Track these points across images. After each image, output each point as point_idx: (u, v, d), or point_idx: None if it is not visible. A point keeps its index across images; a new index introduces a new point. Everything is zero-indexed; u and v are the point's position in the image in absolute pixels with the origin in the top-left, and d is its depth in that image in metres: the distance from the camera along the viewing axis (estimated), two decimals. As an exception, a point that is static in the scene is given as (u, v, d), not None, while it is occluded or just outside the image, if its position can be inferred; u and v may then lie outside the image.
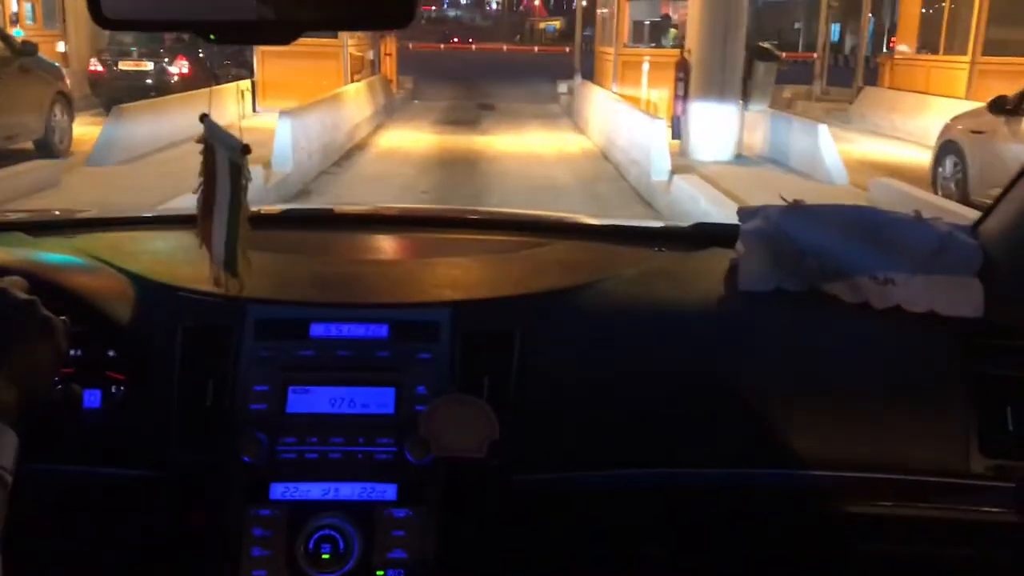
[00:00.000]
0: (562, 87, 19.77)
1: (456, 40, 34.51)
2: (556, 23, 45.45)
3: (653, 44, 17.18)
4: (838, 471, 1.23)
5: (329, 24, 0.84)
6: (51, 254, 1.39)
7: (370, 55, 16.62)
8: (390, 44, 17.69)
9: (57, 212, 1.95)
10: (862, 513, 1.25)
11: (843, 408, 1.25)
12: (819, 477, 1.22)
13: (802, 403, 1.25)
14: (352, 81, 14.84)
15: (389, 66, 17.77)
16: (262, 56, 15.05)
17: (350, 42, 15.38)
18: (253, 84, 14.80)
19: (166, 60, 14.43)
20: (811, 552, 1.30)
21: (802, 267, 1.39)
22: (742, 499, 1.25)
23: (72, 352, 1.07)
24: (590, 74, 17.41)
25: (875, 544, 1.28)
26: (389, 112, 15.84)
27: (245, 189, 1.10)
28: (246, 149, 1.06)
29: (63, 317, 1.04)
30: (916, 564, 1.30)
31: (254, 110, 14.35)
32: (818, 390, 1.26)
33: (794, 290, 1.39)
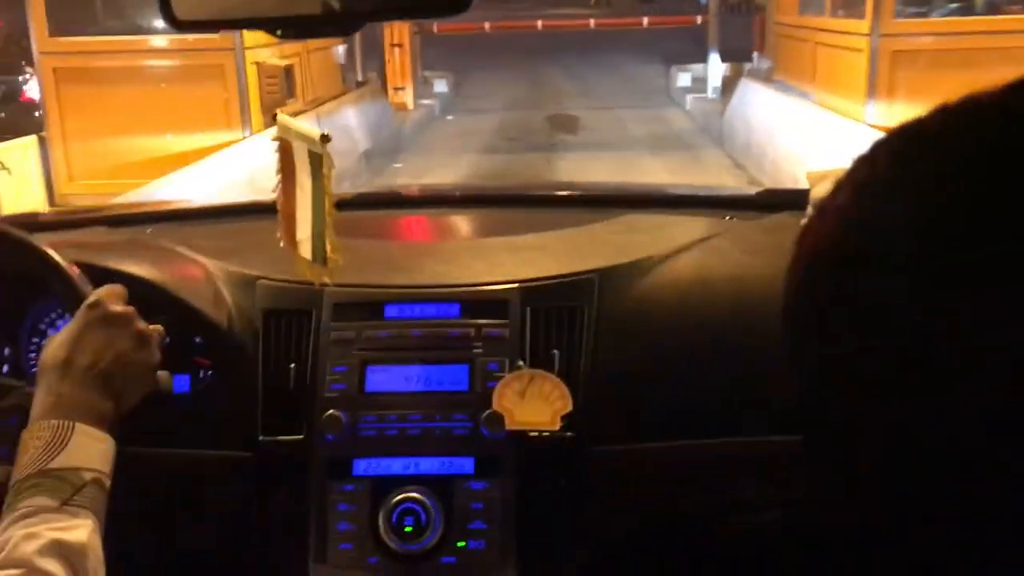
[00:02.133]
0: (683, 78, 12.63)
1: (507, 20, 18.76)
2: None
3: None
4: None
5: (388, 13, 0.86)
6: (134, 246, 1.45)
7: (336, 55, 9.21)
8: (400, 30, 10.85)
9: (136, 206, 2.02)
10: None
11: None
12: None
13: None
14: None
15: (398, 65, 11.08)
16: (54, 80, 6.73)
17: (262, 40, 6.79)
18: (42, 146, 6.66)
19: None
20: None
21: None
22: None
23: (159, 331, 1.12)
24: (739, 53, 11.16)
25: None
26: (390, 151, 9.19)
27: (329, 177, 1.11)
28: (325, 138, 1.08)
29: (158, 326, 1.09)
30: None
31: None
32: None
33: None
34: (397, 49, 11.22)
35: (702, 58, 11.77)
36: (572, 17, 16.89)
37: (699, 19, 12.46)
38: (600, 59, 16.08)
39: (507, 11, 14.27)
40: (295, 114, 6.22)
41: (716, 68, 11.33)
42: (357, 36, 10.08)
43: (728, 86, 10.58)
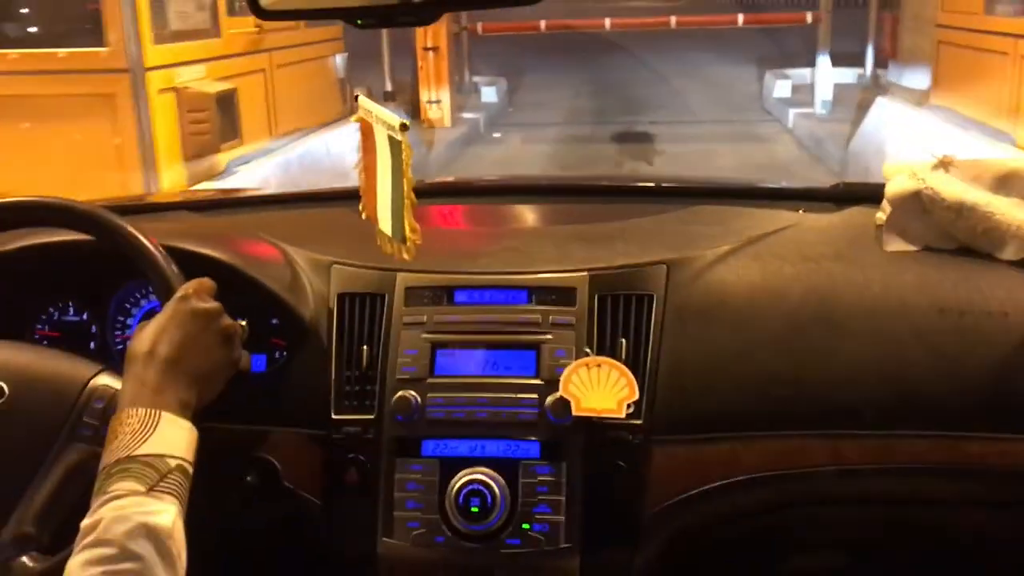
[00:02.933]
0: (780, 87, 10.26)
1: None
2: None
3: None
4: (992, 432, 1.19)
5: (465, 2, 0.87)
6: (216, 231, 1.50)
7: (333, 66, 7.51)
8: (435, 30, 9.09)
9: (218, 192, 2.08)
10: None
11: (1001, 368, 1.21)
12: (974, 439, 1.19)
13: (956, 364, 1.21)
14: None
15: (432, 72, 9.31)
16: None
17: (185, 54, 5.05)
18: None
19: None
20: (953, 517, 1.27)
21: (952, 225, 1.34)
22: (892, 457, 1.23)
23: (243, 326, 1.16)
24: (854, 58, 9.43)
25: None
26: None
27: (408, 163, 1.13)
28: (404, 126, 1.11)
29: (242, 322, 1.12)
30: None
31: None
32: (973, 349, 1.22)
33: (944, 248, 1.35)
34: (431, 54, 9.21)
35: (800, 61, 10.17)
36: (648, 13, 14.11)
37: (809, 17, 9.77)
38: (678, 59, 13.51)
39: (569, 6, 11.84)
40: (240, 159, 5.07)
41: (826, 76, 9.19)
42: (385, 37, 8.76)
43: (842, 100, 8.93)
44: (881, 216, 1.40)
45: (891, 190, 1.39)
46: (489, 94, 11.11)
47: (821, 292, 1.29)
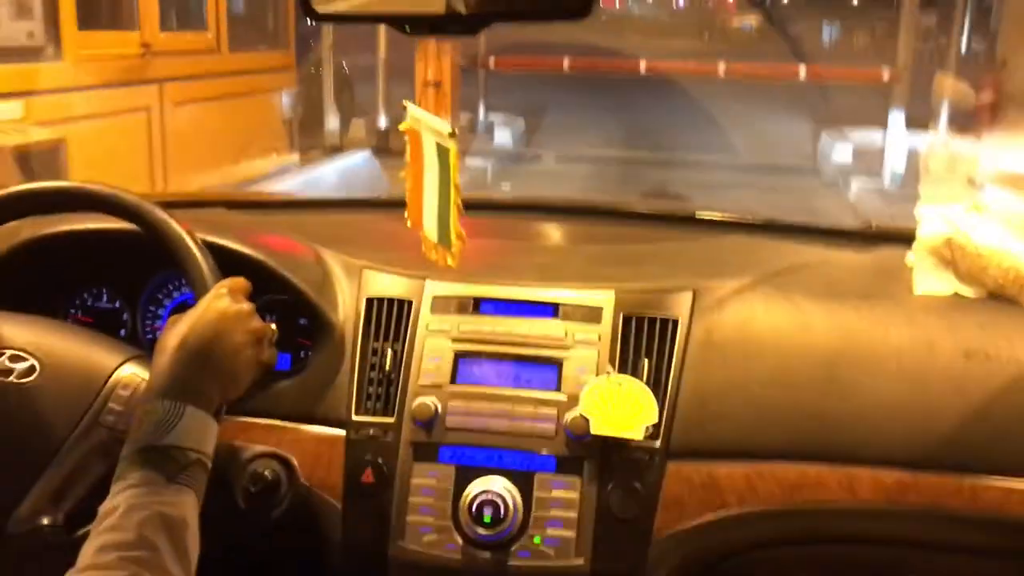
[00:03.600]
0: (839, 151, 8.75)
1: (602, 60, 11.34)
2: (751, 20, 23.28)
3: None
4: (1018, 478, 1.18)
5: (513, 14, 0.89)
6: (251, 228, 1.52)
7: (276, 104, 6.59)
8: (440, 63, 7.77)
9: (255, 194, 2.11)
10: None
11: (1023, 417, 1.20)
12: (994, 487, 1.18)
13: (980, 410, 1.21)
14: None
15: (434, 111, 2.73)
16: None
17: None
18: None
19: None
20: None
21: (982, 271, 1.34)
22: (896, 499, 1.22)
23: (273, 328, 1.17)
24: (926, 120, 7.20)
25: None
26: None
27: (456, 169, 1.14)
28: (453, 134, 1.12)
29: (272, 325, 1.14)
30: None
31: None
32: (998, 398, 1.21)
33: (973, 295, 1.35)
34: (432, 90, 7.58)
35: (859, 118, 8.82)
36: (693, 56, 12.20)
37: (886, 74, 8.23)
38: (715, 105, 11.33)
39: (599, 43, 10.74)
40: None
41: (900, 143, 7.79)
42: (381, 67, 8.10)
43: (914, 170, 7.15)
44: (911, 258, 1.41)
45: (923, 233, 1.39)
46: (502, 136, 9.75)
47: (847, 328, 1.29)
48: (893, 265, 1.44)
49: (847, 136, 8.91)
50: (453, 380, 1.26)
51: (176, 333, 1.05)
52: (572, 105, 11.81)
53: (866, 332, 1.28)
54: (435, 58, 7.62)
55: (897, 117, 8.03)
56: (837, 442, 1.21)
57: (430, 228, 1.20)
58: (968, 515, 1.20)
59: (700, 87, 11.73)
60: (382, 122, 7.96)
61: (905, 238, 1.44)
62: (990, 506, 1.19)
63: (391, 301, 1.32)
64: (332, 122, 8.31)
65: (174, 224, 1.19)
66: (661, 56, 11.80)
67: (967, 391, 1.21)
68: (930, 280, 1.36)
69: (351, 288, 1.35)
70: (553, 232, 1.64)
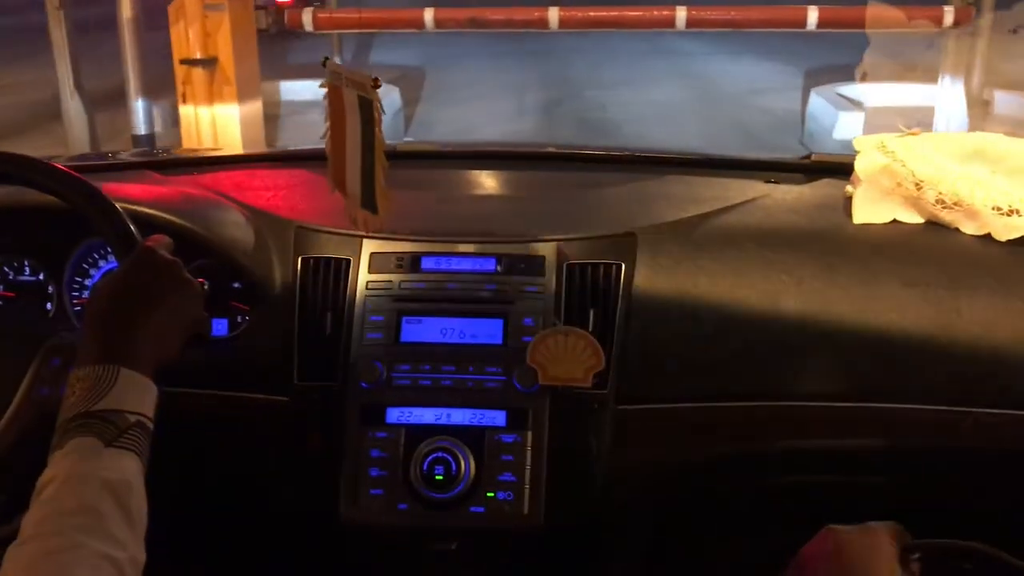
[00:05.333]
0: (846, 121, 5.75)
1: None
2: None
3: None
4: (955, 406, 1.20)
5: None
6: (178, 191, 1.47)
7: None
8: (206, 30, 4.85)
9: (183, 151, 2.04)
10: (979, 448, 1.22)
11: (963, 342, 1.22)
12: (933, 412, 1.20)
13: (921, 336, 1.22)
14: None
15: (206, 99, 5.02)
16: None
17: None
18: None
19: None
20: (920, 486, 1.29)
21: (919, 198, 1.34)
22: (849, 432, 1.24)
23: (203, 284, 1.14)
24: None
25: (984, 481, 1.26)
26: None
27: (379, 123, 1.10)
28: (376, 82, 1.08)
29: (202, 279, 1.10)
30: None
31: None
32: (936, 323, 1.23)
33: (911, 221, 1.36)
34: (200, 72, 4.98)
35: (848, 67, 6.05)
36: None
37: (949, 16, 5.31)
38: (665, 50, 9.05)
39: None
40: None
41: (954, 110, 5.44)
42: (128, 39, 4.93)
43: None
44: (850, 188, 1.41)
45: (860, 162, 1.39)
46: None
47: (790, 259, 1.29)
48: (833, 196, 1.44)
49: (854, 99, 6.00)
50: (397, 340, 1.24)
51: (101, 294, 1.01)
52: (473, 60, 8.72)
53: (808, 266, 1.28)
54: (199, 21, 4.88)
55: (955, 82, 5.51)
56: (782, 381, 1.22)
57: (353, 191, 1.16)
58: (905, 444, 1.22)
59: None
60: (140, 120, 5.16)
61: (845, 169, 1.44)
62: (922, 432, 1.21)
63: (328, 260, 1.29)
64: (77, 123, 5.35)
65: (85, 182, 1.13)
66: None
67: (908, 321, 1.23)
68: (869, 209, 1.36)
69: (285, 249, 1.31)
70: (492, 181, 1.61)
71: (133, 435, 0.92)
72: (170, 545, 1.02)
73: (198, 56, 4.94)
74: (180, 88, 5.03)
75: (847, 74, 6.11)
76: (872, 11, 5.33)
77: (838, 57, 6.56)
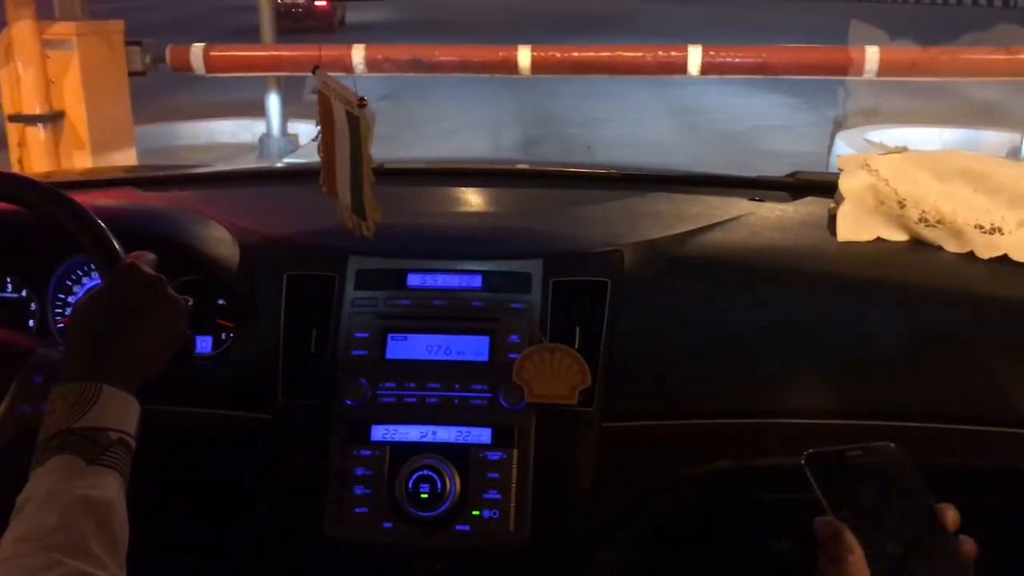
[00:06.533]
0: None
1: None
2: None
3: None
4: (941, 423, 1.21)
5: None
6: (162, 208, 1.46)
7: None
8: (45, 73, 3.58)
9: (166, 168, 2.03)
10: (962, 465, 1.23)
11: (947, 359, 1.23)
12: (919, 429, 1.21)
13: (904, 353, 1.23)
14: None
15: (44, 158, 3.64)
16: None
17: None
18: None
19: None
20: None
21: (903, 216, 1.35)
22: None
23: (187, 300, 1.13)
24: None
25: (972, 499, 1.26)
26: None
27: (367, 140, 1.10)
28: (362, 101, 1.08)
29: (187, 296, 1.09)
30: (1013, 519, 1.28)
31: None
32: (920, 340, 1.23)
33: (895, 239, 1.36)
34: (40, 131, 3.75)
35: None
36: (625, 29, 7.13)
37: None
38: (657, 80, 7.35)
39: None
40: None
41: None
42: None
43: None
44: (834, 206, 1.41)
45: (844, 180, 1.40)
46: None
47: (775, 277, 1.29)
48: (818, 214, 1.45)
49: (886, 143, 3.57)
50: (382, 357, 1.23)
51: (84, 312, 1.00)
52: (444, 89, 7.63)
53: (786, 279, 1.29)
54: (36, 63, 3.68)
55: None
56: (769, 397, 1.22)
57: (344, 195, 1.16)
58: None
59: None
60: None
61: (829, 187, 1.45)
62: (909, 449, 1.21)
63: (313, 277, 1.28)
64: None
65: (67, 199, 1.13)
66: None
67: (897, 339, 1.23)
68: (853, 227, 1.37)
69: (271, 266, 1.31)
70: (478, 199, 1.61)
71: (115, 453, 0.91)
72: (153, 564, 1.01)
73: (37, 111, 3.67)
74: (14, 153, 3.76)
75: (861, 108, 5.57)
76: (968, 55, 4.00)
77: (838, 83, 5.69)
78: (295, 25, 15.66)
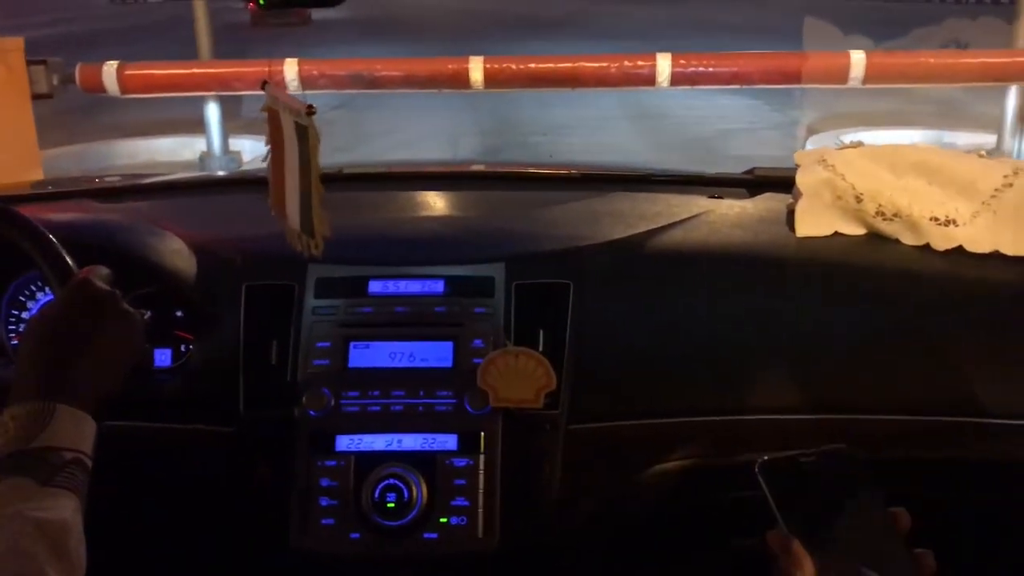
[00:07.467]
0: None
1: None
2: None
3: None
4: (900, 415, 1.22)
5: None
6: (117, 220, 1.44)
7: None
8: None
9: (123, 179, 2.00)
10: (930, 458, 1.24)
11: (908, 351, 1.24)
12: (882, 422, 1.22)
13: (865, 347, 1.24)
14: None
15: None
16: None
17: None
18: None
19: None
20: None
21: (860, 210, 1.37)
22: (802, 444, 1.25)
23: (144, 314, 1.11)
24: None
25: (942, 490, 1.27)
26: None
27: (316, 149, 1.08)
28: (311, 109, 1.06)
29: (143, 309, 1.07)
30: (981, 509, 1.29)
31: None
32: (880, 333, 1.24)
33: (852, 233, 1.38)
34: None
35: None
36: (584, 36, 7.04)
37: None
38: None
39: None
40: None
41: None
42: None
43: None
44: (792, 202, 1.42)
45: (802, 176, 1.41)
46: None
47: (731, 278, 1.30)
48: (776, 210, 1.46)
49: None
50: (345, 366, 1.22)
51: (36, 330, 0.98)
52: (396, 98, 6.81)
53: (747, 276, 1.29)
54: None
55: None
56: (733, 395, 1.23)
57: (293, 216, 1.14)
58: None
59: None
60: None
61: (787, 183, 1.46)
62: (876, 442, 1.22)
63: (272, 287, 1.27)
64: None
65: (17, 213, 1.10)
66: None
67: (857, 332, 1.24)
68: (811, 222, 1.38)
69: (229, 276, 1.29)
70: (438, 202, 1.60)
71: (69, 473, 0.89)
72: None
73: None
74: None
75: (829, 111, 5.64)
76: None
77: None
78: (278, 21, 16.04)
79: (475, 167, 2.00)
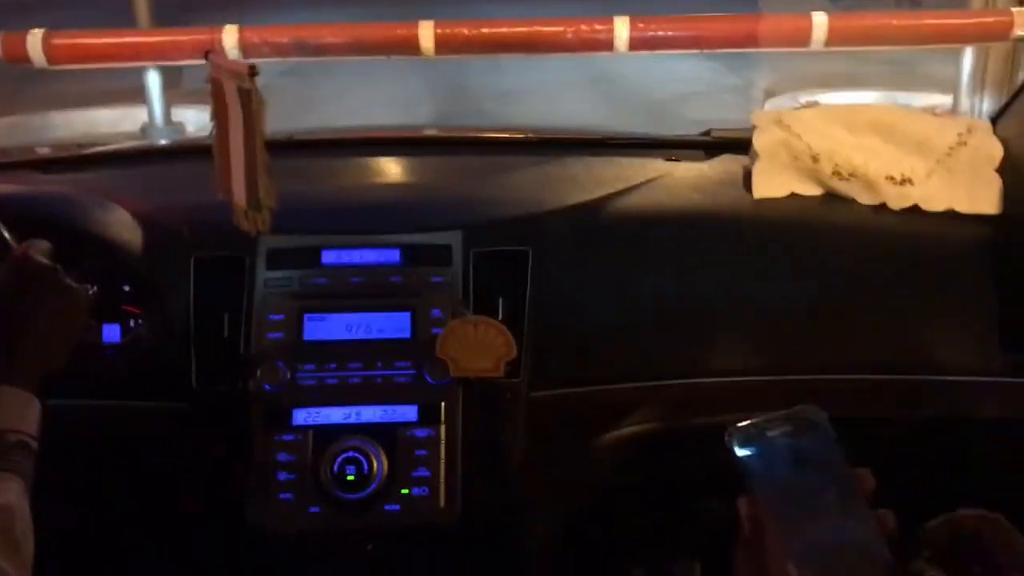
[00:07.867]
0: None
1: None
2: None
3: None
4: (861, 374, 1.23)
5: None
6: (61, 192, 1.39)
7: None
8: None
9: (67, 149, 1.93)
10: (890, 417, 1.25)
11: (865, 310, 1.25)
12: (842, 381, 1.23)
13: (824, 306, 1.24)
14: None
15: None
16: None
17: None
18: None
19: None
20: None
21: (817, 170, 1.36)
22: (765, 406, 1.25)
23: (88, 289, 1.07)
24: None
25: (899, 448, 1.29)
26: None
27: (259, 115, 1.04)
28: (252, 69, 1.02)
29: (87, 284, 1.04)
30: (937, 466, 1.31)
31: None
32: (838, 293, 1.25)
33: (809, 194, 1.38)
34: None
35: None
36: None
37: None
38: None
39: None
40: None
41: None
42: None
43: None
44: (749, 163, 1.42)
45: (758, 137, 1.40)
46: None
47: (689, 241, 1.29)
48: (734, 172, 1.45)
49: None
50: (300, 338, 1.19)
51: None
52: (347, 63, 4.61)
53: (705, 238, 1.29)
54: None
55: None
56: (694, 358, 1.23)
57: (239, 193, 1.10)
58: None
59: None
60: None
61: (744, 144, 1.45)
62: (839, 402, 1.23)
63: (222, 258, 1.24)
64: None
65: None
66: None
67: (811, 292, 1.25)
68: (768, 184, 1.38)
69: (177, 248, 1.25)
70: (392, 168, 1.57)
71: (14, 456, 0.87)
72: (69, 566, 0.96)
73: None
74: None
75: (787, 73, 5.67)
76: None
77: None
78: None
79: (430, 132, 1.96)
